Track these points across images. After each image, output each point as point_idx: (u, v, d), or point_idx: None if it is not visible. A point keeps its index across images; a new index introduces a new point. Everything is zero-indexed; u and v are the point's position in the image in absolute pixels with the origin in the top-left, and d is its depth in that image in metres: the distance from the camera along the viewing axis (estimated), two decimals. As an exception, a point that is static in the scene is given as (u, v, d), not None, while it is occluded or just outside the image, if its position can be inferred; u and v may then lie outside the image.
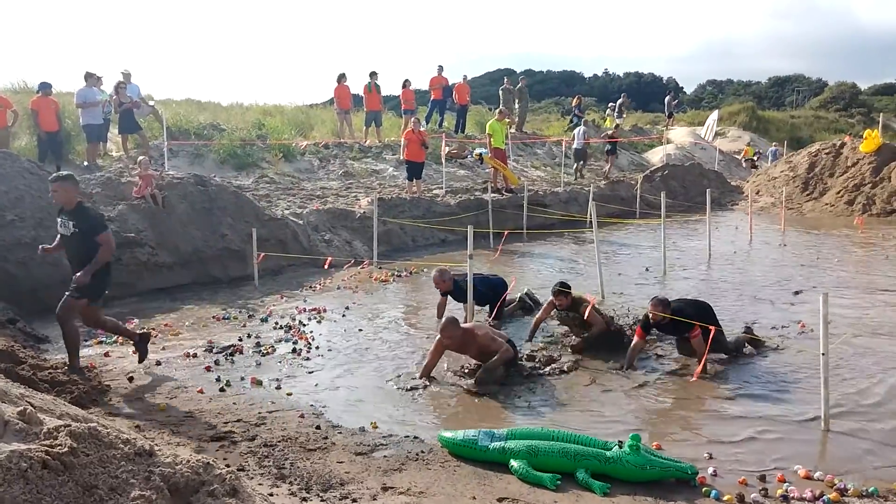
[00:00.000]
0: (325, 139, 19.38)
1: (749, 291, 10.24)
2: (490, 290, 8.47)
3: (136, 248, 9.87)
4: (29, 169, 9.67)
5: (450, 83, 21.61)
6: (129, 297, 9.58)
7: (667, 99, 32.31)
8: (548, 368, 6.78)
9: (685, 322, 6.56)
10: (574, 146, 21.46)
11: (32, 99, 13.40)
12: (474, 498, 4.35)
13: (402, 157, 16.56)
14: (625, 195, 19.96)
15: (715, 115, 30.74)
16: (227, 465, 4.55)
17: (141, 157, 11.39)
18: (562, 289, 7.36)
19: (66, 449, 1.54)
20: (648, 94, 64.39)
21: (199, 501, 1.72)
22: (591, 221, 10.08)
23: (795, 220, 18.42)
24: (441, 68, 21.16)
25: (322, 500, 4.14)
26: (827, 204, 19.57)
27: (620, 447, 4.67)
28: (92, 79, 13.83)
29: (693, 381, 6.37)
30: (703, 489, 4.50)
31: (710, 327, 6.52)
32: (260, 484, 4.31)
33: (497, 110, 17.78)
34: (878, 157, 19.63)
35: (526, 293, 9.15)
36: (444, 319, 6.62)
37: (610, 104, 34.62)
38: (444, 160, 17.58)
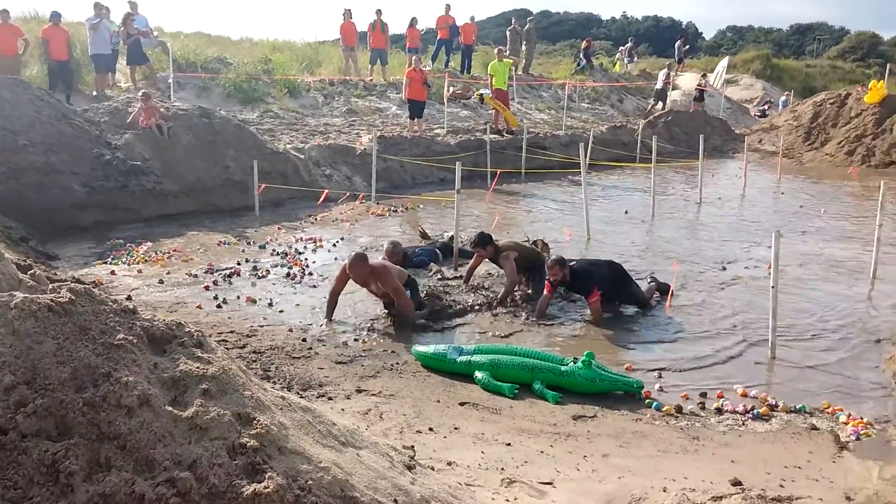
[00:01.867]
0: (331, 76, 19.54)
1: (730, 234, 10.62)
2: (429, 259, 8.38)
3: (141, 176, 10.30)
4: (40, 96, 10.06)
5: (457, 23, 21.51)
6: (136, 223, 10.08)
7: (677, 44, 31.94)
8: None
9: (586, 284, 6.60)
10: (656, 87, 24.00)
11: (43, 28, 13.64)
12: (439, 401, 4.86)
13: (404, 97, 16.72)
14: (626, 140, 20.06)
15: (724, 62, 30.50)
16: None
17: (142, 90, 11.71)
18: (479, 241, 7.27)
19: (66, 299, 1.99)
20: (667, 38, 62.99)
21: (172, 349, 2.16)
22: (583, 164, 10.36)
23: (794, 169, 18.58)
24: (448, 7, 21.07)
25: (301, 397, 4.64)
26: (827, 154, 19.67)
27: (575, 363, 5.14)
28: (99, 8, 14.02)
29: (656, 312, 6.83)
30: (647, 401, 4.98)
31: (596, 295, 6.54)
32: (246, 382, 4.83)
33: (496, 50, 17.83)
34: (883, 108, 19.62)
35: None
36: (354, 253, 6.55)
37: (621, 48, 34.33)
38: (446, 100, 17.75)
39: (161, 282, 7.52)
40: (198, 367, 2.10)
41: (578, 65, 26.03)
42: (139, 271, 7.92)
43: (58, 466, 1.70)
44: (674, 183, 16.06)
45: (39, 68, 13.90)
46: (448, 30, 21.15)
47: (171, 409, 1.94)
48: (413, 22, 19.98)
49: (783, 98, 29.34)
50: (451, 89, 19.48)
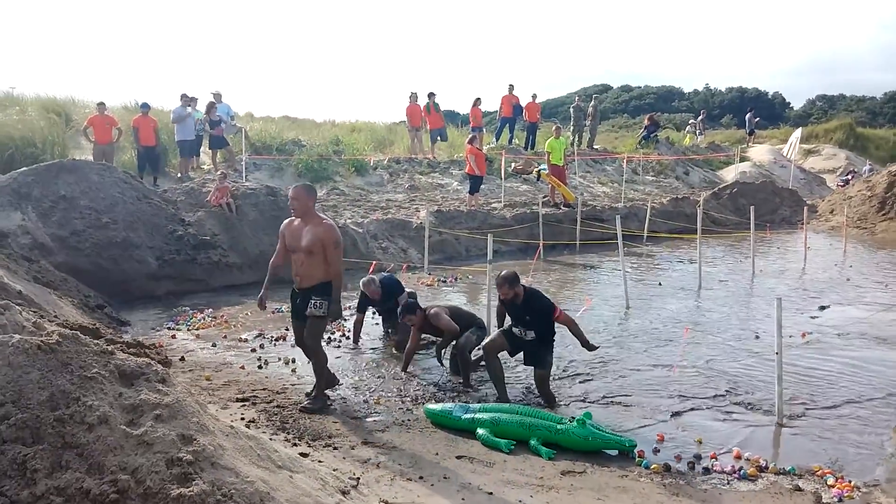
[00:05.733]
0: (401, 154, 20.68)
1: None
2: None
3: (210, 249, 11.28)
4: (124, 179, 11.30)
5: (521, 102, 22.40)
6: (203, 292, 10.97)
7: (747, 116, 31.86)
8: None
9: (544, 302, 6.40)
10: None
11: (134, 117, 15.26)
12: (437, 454, 5.20)
13: (466, 171, 17.46)
14: (689, 212, 20.04)
15: (798, 132, 30.06)
16: (243, 417, 5.64)
17: (218, 172, 12.87)
18: (406, 309, 7.41)
19: (53, 341, 2.56)
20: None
21: (139, 383, 2.70)
22: (619, 235, 10.66)
23: (864, 240, 18.07)
24: (511, 87, 22.08)
25: (309, 446, 5.11)
26: (902, 224, 19.03)
27: (571, 422, 5.39)
28: (186, 99, 15.60)
29: (673, 372, 6.98)
30: (637, 460, 5.16)
31: (559, 310, 6.38)
32: (263, 433, 5.33)
33: (554, 128, 18.50)
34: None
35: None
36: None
37: (690, 121, 34.48)
38: (503, 176, 18.40)
39: (214, 345, 8.23)
40: (155, 397, 2.62)
41: (644, 138, 26.34)
42: (197, 336, 8.68)
43: (26, 465, 2.23)
44: (733, 255, 15.94)
45: (131, 154, 15.47)
46: (511, 108, 22.05)
47: (125, 427, 2.45)
48: (476, 102, 20.99)
49: (866, 167, 28.59)
50: (514, 164, 20.23)
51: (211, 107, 16.32)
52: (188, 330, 8.94)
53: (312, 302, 5.94)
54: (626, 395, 6.65)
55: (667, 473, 4.94)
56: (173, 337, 8.60)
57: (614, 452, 5.32)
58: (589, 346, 6.43)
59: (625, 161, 22.33)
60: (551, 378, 6.63)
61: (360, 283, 8.54)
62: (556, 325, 6.40)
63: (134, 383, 2.69)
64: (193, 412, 2.67)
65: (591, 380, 7.06)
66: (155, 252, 10.84)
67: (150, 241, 10.87)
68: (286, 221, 6.22)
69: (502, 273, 6.44)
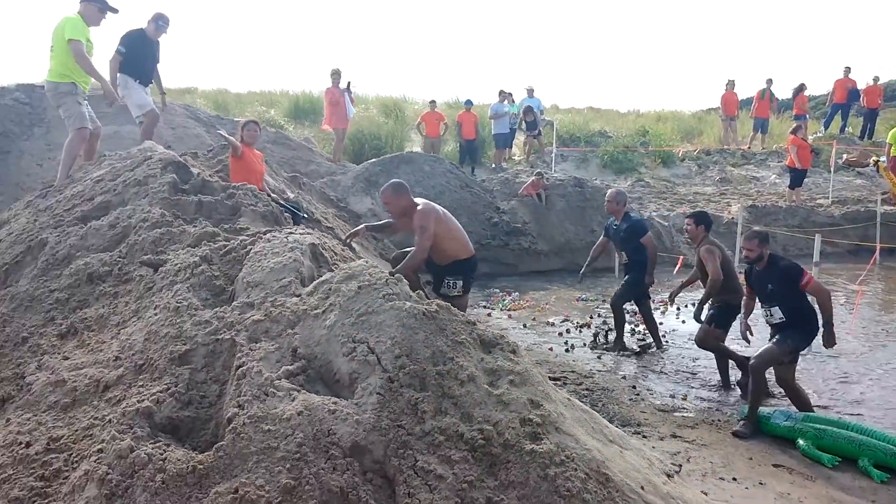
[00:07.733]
0: (709, 145, 19.76)
1: None
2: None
3: (520, 236, 12.03)
4: (449, 169, 12.54)
5: (857, 86, 19.93)
6: (512, 276, 11.78)
7: None
8: None
9: (786, 271, 5.62)
10: None
11: (459, 113, 16.73)
12: (751, 458, 5.07)
13: (786, 164, 16.16)
14: None
15: None
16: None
17: (536, 173, 13.58)
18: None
19: (433, 309, 3.11)
20: None
21: (495, 351, 3.14)
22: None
23: None
24: (848, 69, 19.71)
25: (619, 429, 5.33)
26: None
27: (914, 448, 4.87)
28: (503, 95, 16.67)
29: None
30: None
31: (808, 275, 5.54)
32: (575, 411, 5.68)
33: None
34: None
35: None
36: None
37: None
38: (831, 168, 16.60)
39: (525, 326, 8.86)
40: (509, 364, 3.04)
41: None
42: (509, 316, 9.40)
43: (417, 406, 2.78)
44: None
45: (453, 146, 17.01)
46: (846, 93, 19.73)
47: (487, 387, 2.90)
48: (801, 88, 19.18)
49: None
50: (845, 156, 18.12)
51: (528, 111, 17.13)
52: (501, 310, 9.72)
53: (446, 282, 5.79)
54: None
55: None
56: (488, 315, 9.42)
57: (969, 489, 4.69)
58: (830, 335, 5.52)
59: None
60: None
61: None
62: (809, 305, 5.64)
63: (491, 351, 3.15)
64: (539, 381, 3.05)
65: None
66: (473, 237, 11.75)
67: (469, 226, 11.86)
68: None
69: (754, 228, 6.01)
